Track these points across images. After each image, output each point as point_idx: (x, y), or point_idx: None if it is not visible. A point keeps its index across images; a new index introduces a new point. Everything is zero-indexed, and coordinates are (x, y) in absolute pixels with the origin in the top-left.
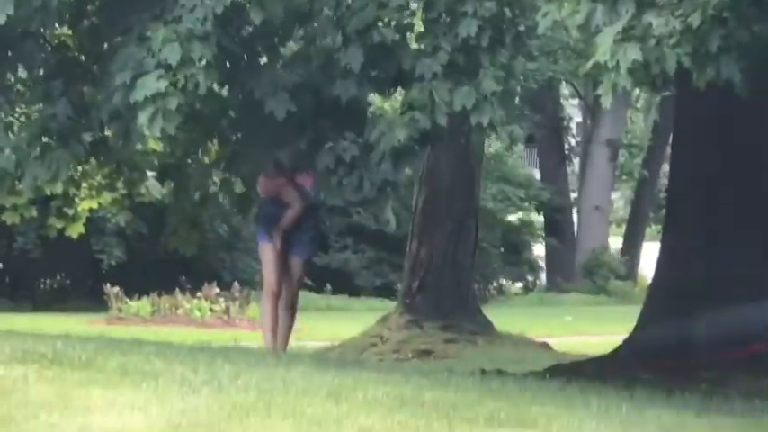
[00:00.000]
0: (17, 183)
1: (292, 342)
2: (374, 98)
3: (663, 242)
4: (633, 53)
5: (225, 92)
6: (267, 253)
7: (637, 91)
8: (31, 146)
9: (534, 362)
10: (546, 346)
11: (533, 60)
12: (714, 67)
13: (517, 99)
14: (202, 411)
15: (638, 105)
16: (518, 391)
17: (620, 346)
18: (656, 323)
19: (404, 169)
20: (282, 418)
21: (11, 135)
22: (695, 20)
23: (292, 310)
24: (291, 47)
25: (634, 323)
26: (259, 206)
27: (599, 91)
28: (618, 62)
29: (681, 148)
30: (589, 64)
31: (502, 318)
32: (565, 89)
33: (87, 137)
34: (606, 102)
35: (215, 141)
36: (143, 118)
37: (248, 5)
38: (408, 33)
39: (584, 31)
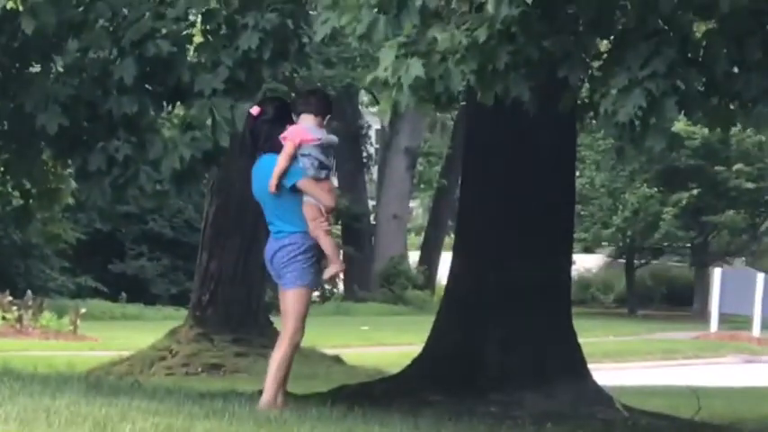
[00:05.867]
0: None
1: (84, 353)
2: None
3: (454, 253)
4: (416, 69)
5: None
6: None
7: None
8: None
9: (325, 377)
10: (338, 359)
11: (331, 67)
12: (502, 85)
13: None
14: None
15: (438, 115)
16: (297, 420)
17: (409, 364)
18: (446, 339)
19: (187, 192)
20: None
21: None
22: (482, 35)
23: None
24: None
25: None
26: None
27: (379, 107)
28: (399, 78)
29: (471, 162)
30: (369, 78)
31: None
32: (364, 96)
33: None
34: (385, 119)
35: None
36: None
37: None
38: (188, 45)
39: (367, 42)
